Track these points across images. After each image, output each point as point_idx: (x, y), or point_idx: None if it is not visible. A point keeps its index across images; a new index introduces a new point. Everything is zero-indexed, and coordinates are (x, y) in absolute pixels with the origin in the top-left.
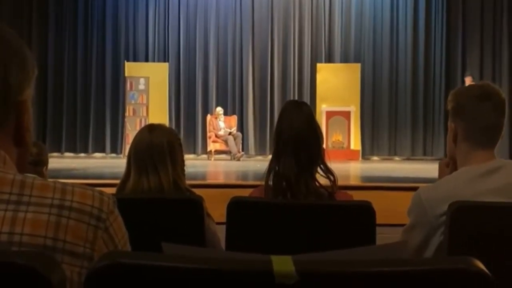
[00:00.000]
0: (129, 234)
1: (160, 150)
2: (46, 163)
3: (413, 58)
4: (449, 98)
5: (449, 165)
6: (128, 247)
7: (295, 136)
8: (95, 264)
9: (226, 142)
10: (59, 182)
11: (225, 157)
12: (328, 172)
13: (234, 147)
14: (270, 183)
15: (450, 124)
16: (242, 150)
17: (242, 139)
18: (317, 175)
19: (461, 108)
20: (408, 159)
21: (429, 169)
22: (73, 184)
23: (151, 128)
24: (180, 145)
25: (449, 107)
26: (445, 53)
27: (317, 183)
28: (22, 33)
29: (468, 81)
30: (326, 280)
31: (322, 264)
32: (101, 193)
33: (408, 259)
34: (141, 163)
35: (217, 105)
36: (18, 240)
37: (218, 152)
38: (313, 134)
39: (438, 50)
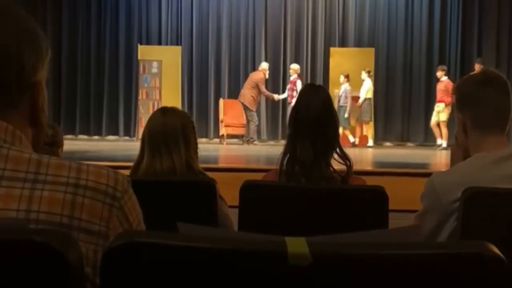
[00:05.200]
0: (143, 215)
1: (173, 132)
2: (61, 144)
3: (427, 43)
4: (452, 92)
5: (462, 150)
6: (142, 226)
7: (312, 119)
8: (112, 243)
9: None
10: (74, 161)
11: (237, 141)
12: (344, 157)
13: (255, 132)
14: (284, 167)
15: (458, 115)
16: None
17: None
18: (331, 160)
19: (466, 97)
20: (421, 145)
21: (442, 155)
22: (88, 164)
23: (164, 111)
24: (193, 127)
25: (454, 100)
26: (460, 38)
27: (331, 168)
28: (36, 16)
29: (477, 67)
30: (340, 262)
31: (336, 246)
32: (115, 172)
33: (422, 242)
34: (154, 145)
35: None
36: (35, 218)
37: (230, 136)
38: (330, 118)
39: (454, 34)
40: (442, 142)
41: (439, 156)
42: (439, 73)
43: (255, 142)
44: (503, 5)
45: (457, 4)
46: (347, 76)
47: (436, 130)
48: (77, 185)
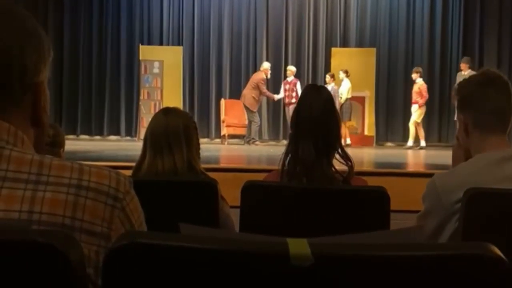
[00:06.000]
0: (144, 215)
1: (175, 133)
2: (62, 144)
3: (429, 43)
4: (453, 93)
5: (463, 151)
6: (144, 227)
7: (314, 119)
8: (114, 244)
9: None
10: (76, 162)
11: (238, 141)
12: (346, 157)
13: (257, 132)
14: (286, 167)
15: (459, 117)
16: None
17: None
18: (333, 161)
19: (467, 98)
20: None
21: (443, 155)
22: (90, 165)
23: (167, 111)
24: (195, 128)
25: (455, 101)
26: (462, 38)
27: (333, 169)
28: (37, 16)
29: (463, 67)
30: (341, 263)
31: (338, 247)
32: (117, 173)
33: (424, 244)
34: (156, 146)
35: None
36: (37, 219)
37: (231, 136)
38: (332, 118)
39: (455, 35)
40: (411, 142)
41: (441, 157)
42: (414, 75)
43: (256, 143)
44: (504, 6)
45: (459, 4)
46: (332, 76)
47: (419, 130)
48: (79, 186)
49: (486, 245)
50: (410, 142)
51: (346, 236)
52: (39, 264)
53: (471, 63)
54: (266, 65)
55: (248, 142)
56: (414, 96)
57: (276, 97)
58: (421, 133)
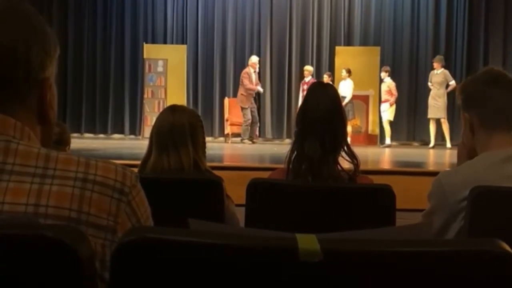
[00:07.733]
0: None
1: (181, 131)
2: (68, 142)
3: (434, 42)
4: (457, 92)
5: (468, 150)
6: (151, 221)
7: (320, 117)
8: (123, 238)
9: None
10: (82, 156)
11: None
12: (352, 156)
13: (247, 132)
14: (292, 165)
15: (464, 115)
16: (259, 134)
17: (259, 121)
18: (339, 159)
19: (471, 97)
20: (427, 144)
21: (448, 154)
22: (96, 159)
23: (173, 109)
24: (202, 126)
25: (460, 101)
26: (467, 37)
27: (339, 167)
28: (42, 15)
29: (436, 66)
30: (351, 259)
31: (347, 243)
32: (123, 167)
33: (432, 240)
34: (162, 143)
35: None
36: (43, 212)
37: (235, 135)
38: (338, 116)
39: (460, 33)
40: (389, 140)
41: (445, 156)
42: (382, 74)
43: (245, 141)
44: (509, 4)
45: (464, 2)
46: (330, 76)
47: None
48: (86, 179)
49: (495, 241)
50: (387, 140)
51: (353, 232)
52: (48, 259)
53: (443, 62)
54: (253, 58)
55: (250, 140)
56: (384, 95)
57: (260, 89)
58: (388, 131)
